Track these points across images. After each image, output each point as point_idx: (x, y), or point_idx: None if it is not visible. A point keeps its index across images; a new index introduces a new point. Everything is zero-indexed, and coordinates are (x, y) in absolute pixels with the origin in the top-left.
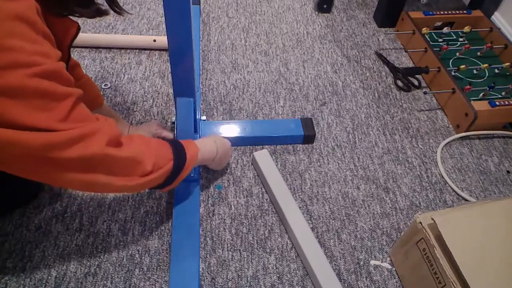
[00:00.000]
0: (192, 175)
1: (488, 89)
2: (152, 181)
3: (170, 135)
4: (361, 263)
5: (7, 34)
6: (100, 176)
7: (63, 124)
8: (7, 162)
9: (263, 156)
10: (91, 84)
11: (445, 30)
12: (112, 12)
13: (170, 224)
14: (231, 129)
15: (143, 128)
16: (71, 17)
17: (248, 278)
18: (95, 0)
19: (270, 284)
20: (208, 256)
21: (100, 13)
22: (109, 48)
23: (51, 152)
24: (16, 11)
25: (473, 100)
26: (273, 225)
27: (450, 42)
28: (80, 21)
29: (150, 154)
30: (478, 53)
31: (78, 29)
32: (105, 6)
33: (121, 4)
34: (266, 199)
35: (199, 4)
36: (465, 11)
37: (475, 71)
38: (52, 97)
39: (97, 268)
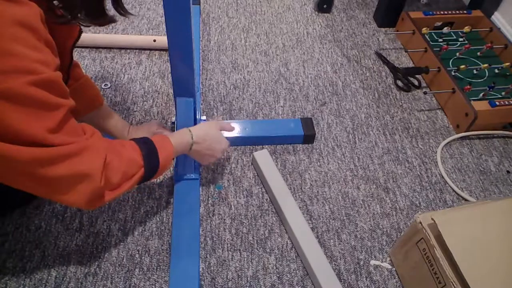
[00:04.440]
0: (192, 175)
1: (488, 89)
2: (126, 190)
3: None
4: (361, 263)
5: (9, 39)
6: (83, 198)
7: (52, 136)
8: None
9: (263, 156)
10: (91, 84)
11: (445, 30)
12: (116, 14)
13: (170, 224)
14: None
15: (144, 128)
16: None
17: (248, 278)
18: (106, 12)
19: (270, 284)
20: (208, 256)
21: (110, 20)
22: (109, 48)
23: (39, 168)
24: (20, 17)
25: (473, 100)
26: (273, 225)
27: (450, 42)
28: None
29: (120, 163)
30: (478, 53)
31: (80, 32)
32: (111, 11)
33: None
34: (266, 199)
35: (199, 4)
36: (465, 11)
37: (475, 71)
38: (45, 106)
39: (97, 268)
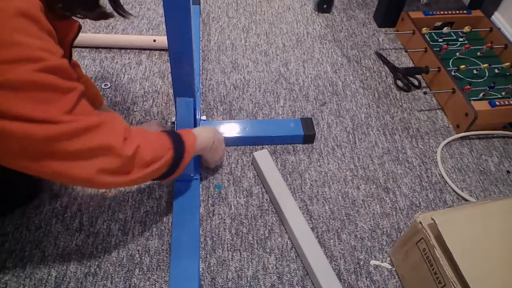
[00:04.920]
0: (192, 175)
1: (488, 89)
2: (154, 172)
3: None
4: (361, 263)
5: (13, 30)
6: (101, 172)
7: (68, 117)
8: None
9: (263, 156)
10: (91, 84)
11: (445, 30)
12: (116, 14)
13: (170, 224)
14: (231, 129)
15: (143, 128)
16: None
17: (248, 278)
18: (100, 4)
19: (270, 284)
20: (208, 256)
21: (105, 16)
22: (109, 48)
23: (54, 144)
24: (21, 8)
25: (473, 100)
26: (273, 225)
27: (450, 42)
28: (80, 21)
29: (150, 145)
30: (478, 53)
31: (79, 27)
32: (110, 9)
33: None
34: (266, 199)
35: (199, 4)
36: (465, 11)
37: (475, 71)
38: (58, 90)
39: (97, 268)
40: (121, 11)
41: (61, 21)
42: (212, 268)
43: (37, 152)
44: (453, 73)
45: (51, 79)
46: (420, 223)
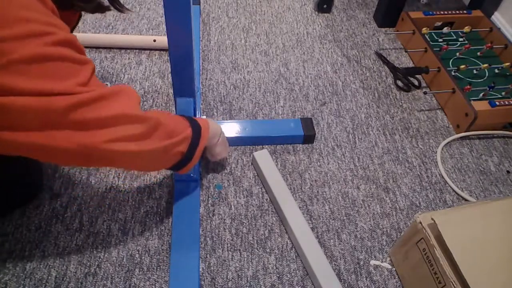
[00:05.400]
0: (192, 175)
1: (488, 89)
2: (174, 146)
3: None
4: (361, 263)
5: (21, 7)
6: (124, 139)
7: (85, 88)
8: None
9: (263, 156)
10: None
11: (445, 30)
12: (113, 9)
13: (170, 224)
14: (231, 129)
15: None
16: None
17: (248, 278)
18: None
19: (270, 284)
20: (208, 256)
21: (101, 8)
22: (109, 48)
23: (74, 114)
24: None
25: (473, 100)
26: (273, 225)
27: (450, 42)
28: (80, 21)
29: (170, 118)
30: (478, 53)
31: (80, 16)
32: (106, 2)
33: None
34: (266, 199)
35: (199, 4)
36: (465, 11)
37: (475, 71)
38: (72, 62)
39: (97, 268)
40: (118, 6)
41: (61, 11)
42: (212, 268)
43: (58, 123)
44: (453, 73)
45: (64, 51)
46: (420, 223)
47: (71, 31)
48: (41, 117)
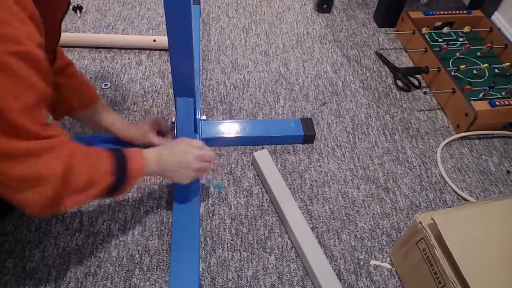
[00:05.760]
0: None
1: (488, 89)
2: (89, 198)
3: (161, 142)
4: (361, 263)
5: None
6: (32, 203)
7: (24, 118)
8: None
9: (263, 156)
10: (86, 83)
11: (445, 30)
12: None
13: (170, 224)
14: (231, 129)
15: (137, 127)
16: None
17: (248, 278)
18: None
19: (270, 284)
20: (208, 256)
21: None
22: (109, 48)
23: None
24: None
25: (473, 100)
26: (273, 225)
27: (450, 42)
28: (80, 21)
29: (85, 168)
30: (478, 53)
31: (69, 3)
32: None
33: (121, 4)
34: (266, 199)
35: (199, 4)
36: (465, 11)
37: (475, 71)
38: (24, 82)
39: (97, 268)
40: None
41: None
42: (212, 268)
43: None
44: (453, 73)
45: (23, 67)
46: (420, 223)
47: (62, 18)
48: None
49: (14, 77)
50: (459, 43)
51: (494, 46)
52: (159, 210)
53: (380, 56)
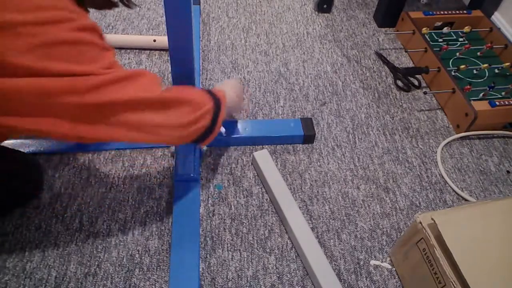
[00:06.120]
0: (192, 175)
1: (488, 89)
2: (200, 118)
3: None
4: (361, 263)
5: None
6: (149, 117)
7: (108, 70)
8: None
9: (263, 156)
10: None
11: (445, 30)
12: (121, 5)
13: (170, 224)
14: (231, 129)
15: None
16: None
17: (248, 278)
18: None
19: (270, 284)
20: (208, 256)
21: (110, 4)
22: None
23: (99, 92)
24: None
25: (473, 100)
26: (273, 225)
27: (450, 42)
28: None
29: (191, 94)
30: (478, 53)
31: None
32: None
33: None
34: (266, 199)
35: (199, 4)
36: (465, 11)
37: (475, 71)
38: (97, 47)
39: (97, 268)
40: (125, 1)
41: None
42: (212, 268)
43: (86, 111)
44: (453, 73)
45: (88, 37)
46: (420, 223)
47: None
48: (67, 100)
49: (91, 45)
50: (459, 43)
51: (494, 46)
52: (159, 210)
53: (380, 56)
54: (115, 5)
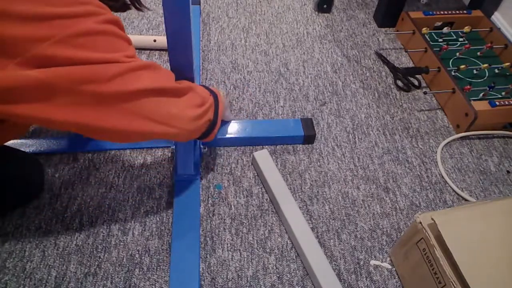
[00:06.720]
0: (192, 175)
1: (488, 89)
2: (206, 111)
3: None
4: (361, 263)
5: None
6: (166, 106)
7: (133, 59)
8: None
9: (263, 156)
10: None
11: (445, 30)
12: (132, 8)
13: (170, 224)
14: (231, 129)
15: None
16: None
17: (248, 278)
18: None
19: (270, 284)
20: (208, 256)
21: (125, 7)
22: None
23: (123, 78)
24: None
25: (473, 100)
26: (273, 225)
27: (450, 42)
28: None
29: (198, 87)
30: (478, 53)
31: None
32: (128, 1)
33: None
34: (266, 199)
35: (199, 4)
36: (465, 11)
37: (475, 71)
38: (121, 38)
39: (97, 268)
40: (138, 5)
41: None
42: (212, 268)
43: (108, 95)
44: (453, 73)
45: (113, 28)
46: (420, 223)
47: None
48: (92, 87)
49: (117, 36)
50: (459, 43)
51: (494, 46)
52: (159, 210)
53: (380, 56)
54: (128, 7)
